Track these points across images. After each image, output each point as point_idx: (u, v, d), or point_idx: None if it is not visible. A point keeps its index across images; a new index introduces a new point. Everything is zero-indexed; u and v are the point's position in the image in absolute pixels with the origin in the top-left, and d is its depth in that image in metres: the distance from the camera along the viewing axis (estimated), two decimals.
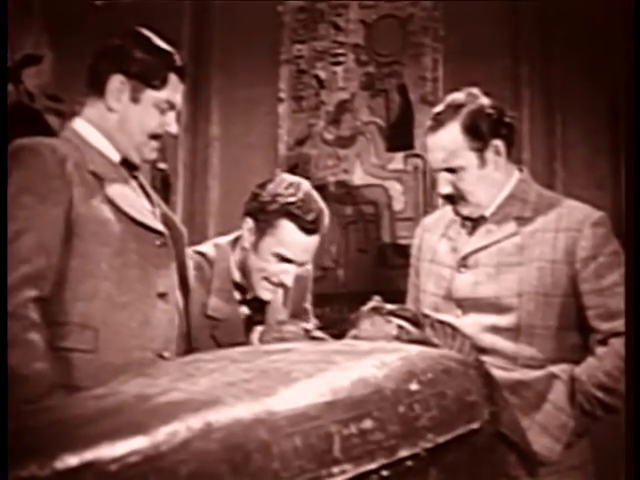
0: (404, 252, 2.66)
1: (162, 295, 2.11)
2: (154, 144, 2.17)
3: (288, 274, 2.48)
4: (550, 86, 3.44)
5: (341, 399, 1.40)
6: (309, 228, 2.46)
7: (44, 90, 3.87)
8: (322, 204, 2.52)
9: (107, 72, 2.12)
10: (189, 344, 2.24)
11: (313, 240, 2.49)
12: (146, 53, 2.14)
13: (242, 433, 1.24)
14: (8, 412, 1.41)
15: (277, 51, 3.86)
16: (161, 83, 2.13)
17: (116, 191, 2.08)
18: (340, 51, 3.78)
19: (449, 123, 2.26)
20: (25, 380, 1.82)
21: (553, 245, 2.21)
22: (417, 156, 3.60)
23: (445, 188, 2.29)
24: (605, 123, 3.33)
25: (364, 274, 3.60)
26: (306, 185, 2.53)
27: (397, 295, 2.55)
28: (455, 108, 2.27)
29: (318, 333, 2.18)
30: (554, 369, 2.16)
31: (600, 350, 2.16)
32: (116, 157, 2.14)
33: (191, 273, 2.37)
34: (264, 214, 2.47)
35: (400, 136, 3.65)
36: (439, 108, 2.31)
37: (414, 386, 1.57)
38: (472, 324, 2.22)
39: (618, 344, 2.12)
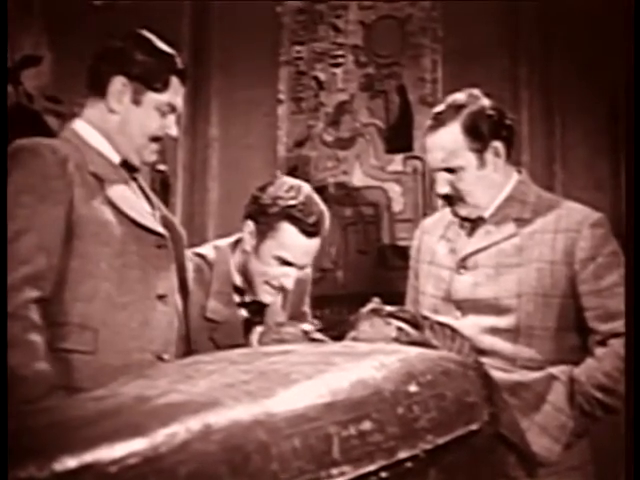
0: (403, 254, 2.67)
1: (162, 297, 2.11)
2: (154, 146, 2.18)
3: (289, 277, 2.48)
4: (549, 87, 3.44)
5: (340, 400, 1.40)
6: (310, 231, 2.46)
7: (43, 91, 3.87)
8: (323, 207, 2.52)
9: (109, 74, 2.12)
10: (188, 346, 2.24)
11: (314, 243, 2.49)
12: (148, 55, 2.14)
13: (241, 434, 1.24)
14: (8, 413, 1.41)
15: (276, 52, 3.86)
16: (163, 86, 2.13)
17: (116, 193, 2.08)
18: (339, 52, 3.78)
19: (450, 123, 2.26)
20: (25, 381, 1.82)
21: (552, 246, 2.21)
22: (416, 158, 3.60)
23: (443, 188, 2.29)
24: (605, 124, 3.33)
25: (363, 276, 3.60)
26: (307, 188, 2.53)
27: (396, 297, 2.55)
28: (456, 108, 2.27)
29: (317, 335, 2.18)
30: (553, 370, 2.16)
31: (599, 351, 2.17)
32: (116, 158, 2.14)
33: (190, 275, 2.37)
34: (265, 217, 2.47)
35: (399, 138, 3.65)
36: (440, 108, 2.32)
37: (413, 387, 1.57)
38: (471, 325, 2.22)
39: (617, 345, 2.13)
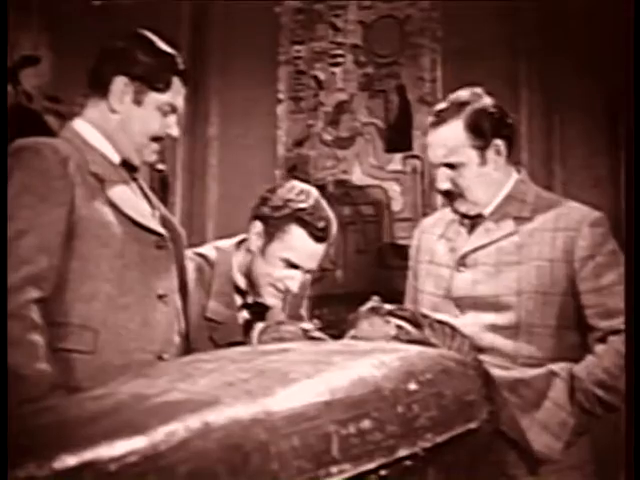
0: (403, 253, 2.67)
1: (162, 297, 2.11)
2: (155, 146, 2.18)
3: (294, 280, 2.48)
4: (548, 86, 3.44)
5: (340, 399, 1.40)
6: (318, 236, 2.47)
7: (43, 91, 3.87)
8: (331, 213, 2.53)
9: (110, 74, 2.12)
10: (188, 346, 2.24)
11: (321, 248, 2.50)
12: (150, 56, 2.14)
13: (240, 433, 1.24)
14: (8, 412, 1.41)
15: (275, 52, 3.85)
16: (164, 86, 2.14)
17: (117, 193, 2.08)
18: (339, 52, 3.78)
19: (452, 120, 2.28)
20: (26, 380, 1.82)
21: (552, 244, 2.22)
22: (416, 157, 3.60)
23: (444, 184, 2.30)
24: (604, 123, 3.33)
25: (363, 275, 3.60)
26: (315, 193, 2.54)
27: (396, 295, 2.55)
28: (459, 106, 2.29)
29: (317, 333, 2.18)
30: (553, 367, 2.17)
31: (599, 348, 2.17)
32: (116, 158, 2.14)
33: (191, 275, 2.37)
34: (274, 219, 2.48)
35: (399, 137, 3.65)
36: (442, 105, 2.33)
37: (413, 386, 1.57)
38: (471, 323, 2.22)
39: (617, 342, 2.13)
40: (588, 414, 2.16)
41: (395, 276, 2.67)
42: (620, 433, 2.00)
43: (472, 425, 1.71)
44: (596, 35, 3.29)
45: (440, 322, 2.10)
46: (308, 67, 3.82)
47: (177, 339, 2.17)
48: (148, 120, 2.14)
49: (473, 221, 2.35)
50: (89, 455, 1.09)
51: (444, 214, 2.51)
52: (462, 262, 2.31)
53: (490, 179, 2.30)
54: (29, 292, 1.89)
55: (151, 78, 2.12)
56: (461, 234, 2.36)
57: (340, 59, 3.78)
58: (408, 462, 1.48)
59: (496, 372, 2.10)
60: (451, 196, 2.33)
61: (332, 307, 3.53)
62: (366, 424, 1.42)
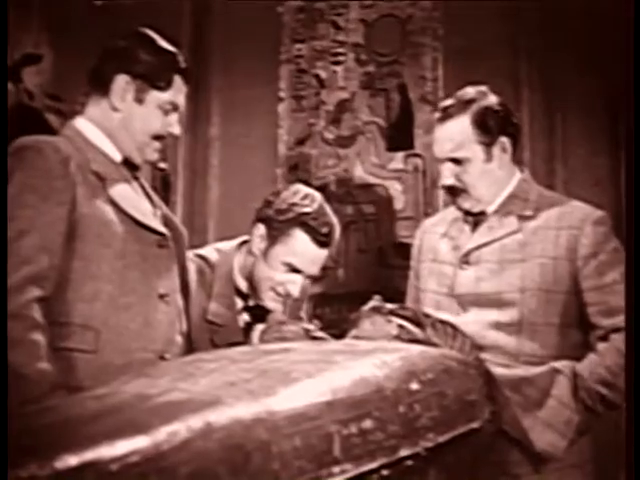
0: (404, 252, 2.67)
1: (163, 296, 2.11)
2: (156, 145, 2.18)
3: (295, 284, 2.47)
4: (550, 85, 3.44)
5: (341, 399, 1.40)
6: (322, 241, 2.46)
7: (44, 89, 3.87)
8: (334, 219, 2.52)
9: (112, 72, 2.12)
10: (190, 346, 2.24)
11: (323, 253, 2.50)
12: (151, 54, 2.14)
13: (242, 433, 1.24)
14: (9, 412, 1.41)
15: (277, 51, 3.85)
16: (166, 84, 2.14)
17: (118, 192, 2.08)
18: (340, 50, 3.78)
19: (459, 116, 2.30)
20: (28, 380, 1.82)
21: (555, 242, 2.23)
22: (417, 156, 3.60)
23: (448, 179, 2.32)
24: (605, 123, 3.33)
25: (364, 274, 3.60)
26: (319, 198, 2.53)
27: (397, 295, 2.56)
28: (465, 102, 2.31)
29: (318, 333, 2.18)
30: (556, 364, 2.17)
31: (601, 346, 2.18)
32: (118, 157, 2.14)
33: (192, 276, 2.37)
34: (278, 222, 2.47)
35: (400, 136, 3.64)
36: (448, 102, 2.35)
37: (414, 386, 1.57)
38: (473, 321, 2.23)
39: (619, 340, 2.14)
40: (590, 412, 2.16)
41: (397, 275, 2.67)
42: (621, 432, 2.00)
43: (474, 425, 1.71)
44: (597, 34, 3.29)
45: (442, 322, 2.10)
46: (309, 66, 3.82)
47: (179, 339, 2.17)
48: (149, 118, 2.14)
49: (476, 219, 2.36)
50: (90, 455, 1.09)
51: (446, 214, 2.52)
52: (465, 260, 2.31)
53: (494, 176, 2.32)
54: (30, 291, 1.89)
55: (152, 76, 2.13)
56: (464, 232, 2.37)
57: (341, 58, 3.78)
58: (410, 462, 1.48)
59: (499, 370, 2.11)
60: (455, 192, 2.34)
61: (333, 306, 3.53)
62: (368, 424, 1.42)
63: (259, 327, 2.45)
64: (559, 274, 2.22)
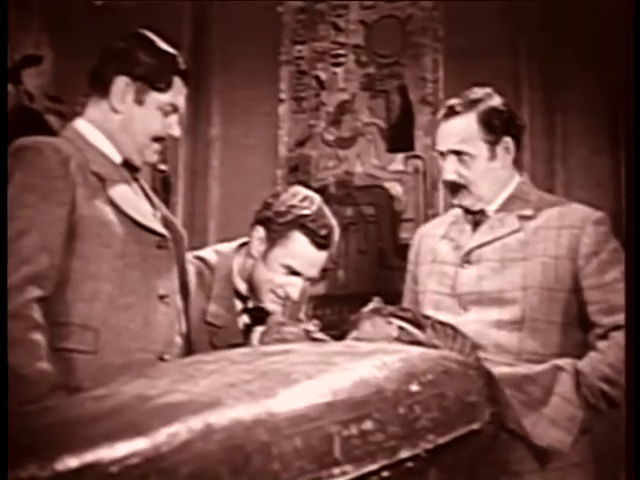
0: (404, 253, 2.66)
1: (163, 297, 2.11)
2: (156, 146, 2.18)
3: (295, 287, 2.47)
4: (550, 86, 3.44)
5: (341, 400, 1.40)
6: (321, 243, 2.46)
7: (44, 91, 3.87)
8: (333, 221, 2.52)
9: (112, 73, 2.12)
10: (189, 347, 2.24)
11: (322, 256, 2.49)
12: (151, 56, 2.15)
13: (242, 434, 1.24)
14: (9, 412, 1.41)
15: (277, 52, 3.85)
16: (166, 86, 2.14)
17: (118, 193, 2.08)
18: (340, 52, 3.78)
19: (465, 113, 2.32)
20: (27, 380, 1.82)
21: (556, 242, 2.25)
22: (417, 157, 3.60)
23: (450, 175, 2.33)
24: (605, 123, 3.33)
25: (364, 275, 3.60)
26: (318, 200, 2.53)
27: (397, 296, 2.56)
28: (472, 102, 2.33)
29: (318, 334, 2.18)
30: (558, 362, 2.17)
31: (602, 344, 2.19)
32: (117, 158, 2.15)
33: (192, 278, 2.37)
34: (277, 224, 2.46)
35: (400, 137, 3.64)
36: (454, 101, 2.36)
37: (414, 387, 1.57)
38: (475, 320, 2.23)
39: (620, 337, 2.15)
40: (592, 409, 2.16)
41: (397, 277, 2.67)
42: (622, 431, 2.00)
43: (474, 426, 1.71)
44: (597, 34, 3.29)
45: (442, 323, 2.10)
46: (310, 67, 3.82)
47: (178, 340, 2.17)
48: (149, 120, 2.14)
49: (477, 218, 2.37)
50: (90, 456, 1.09)
51: (444, 218, 2.56)
52: (467, 259, 2.32)
53: (497, 175, 2.34)
54: (30, 291, 1.89)
55: (152, 78, 2.13)
56: (465, 232, 2.38)
57: (342, 59, 3.78)
58: (410, 463, 1.48)
59: (501, 369, 2.11)
60: (455, 188, 2.35)
61: (334, 307, 3.53)
62: (368, 425, 1.42)
63: (258, 329, 2.45)
64: (560, 273, 2.23)
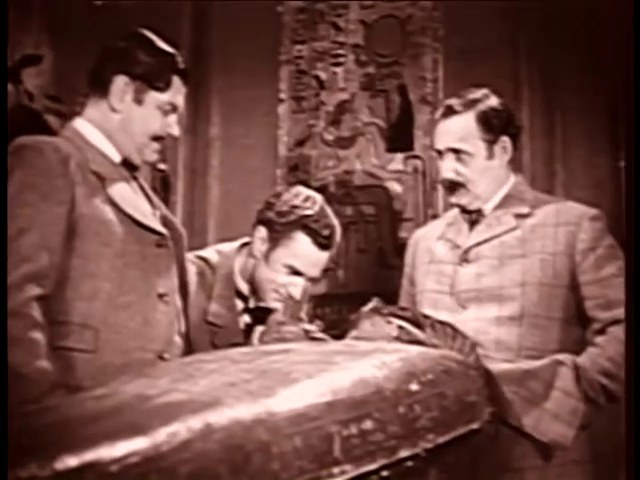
0: (404, 252, 2.66)
1: (162, 296, 2.11)
2: (155, 145, 2.18)
3: (297, 287, 2.47)
4: (550, 86, 3.44)
5: (341, 400, 1.40)
6: (323, 243, 2.46)
7: (44, 90, 3.87)
8: (335, 221, 2.52)
9: (111, 73, 2.12)
10: (189, 346, 2.24)
11: (324, 256, 2.49)
12: (150, 55, 2.15)
13: (242, 434, 1.24)
14: (9, 412, 1.41)
15: (277, 51, 3.85)
16: (165, 85, 2.14)
17: (118, 192, 2.08)
18: (340, 51, 3.78)
19: (464, 112, 2.34)
20: (27, 379, 1.82)
21: (554, 239, 2.27)
22: (417, 157, 3.60)
23: (448, 173, 2.35)
24: (605, 123, 3.33)
25: (364, 275, 3.60)
26: (320, 200, 2.53)
27: (397, 295, 2.56)
28: (470, 101, 2.35)
29: (318, 334, 2.18)
30: (558, 356, 2.18)
31: (600, 339, 2.20)
32: (117, 157, 2.15)
33: (192, 278, 2.37)
34: (279, 224, 2.46)
35: (400, 137, 3.64)
36: (453, 101, 2.38)
37: (414, 386, 1.57)
38: (475, 318, 2.24)
39: (618, 331, 2.17)
40: (592, 404, 2.17)
41: (397, 276, 2.67)
42: (623, 427, 2.01)
43: (474, 426, 1.71)
44: (597, 34, 3.29)
45: (441, 322, 2.10)
46: (309, 67, 3.82)
47: (178, 339, 2.17)
48: (149, 119, 2.15)
49: (474, 218, 2.39)
50: (90, 456, 1.08)
51: (439, 221, 2.59)
52: (465, 257, 2.34)
53: (494, 174, 2.36)
54: (30, 290, 1.89)
55: (151, 77, 2.13)
56: (462, 232, 2.39)
57: (341, 59, 3.78)
58: (410, 463, 1.48)
59: (502, 366, 2.12)
60: (453, 187, 2.36)
61: (333, 307, 3.53)
62: (368, 425, 1.42)
63: (259, 329, 2.45)
64: (558, 269, 2.25)
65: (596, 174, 3.36)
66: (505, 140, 2.35)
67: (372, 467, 1.39)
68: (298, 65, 3.83)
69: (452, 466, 1.63)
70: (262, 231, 2.50)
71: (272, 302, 2.48)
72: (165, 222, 2.22)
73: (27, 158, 2.00)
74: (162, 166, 3.58)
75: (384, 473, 1.42)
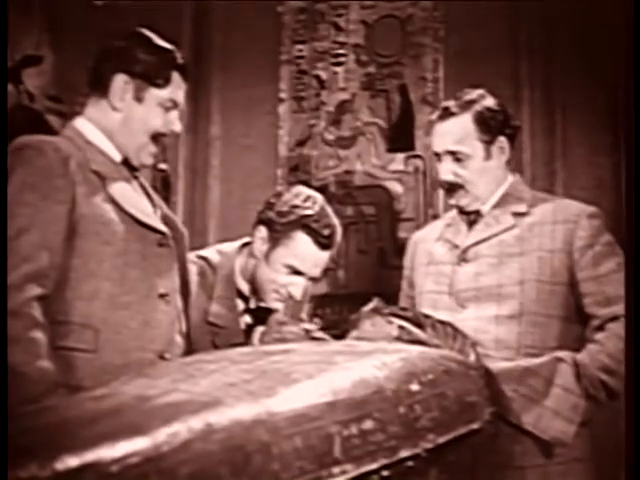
0: (404, 253, 2.66)
1: (163, 296, 2.11)
2: (153, 148, 2.17)
3: (297, 287, 2.47)
4: (550, 86, 3.44)
5: (342, 400, 1.40)
6: (323, 243, 2.46)
7: (45, 91, 3.87)
8: (336, 220, 2.52)
9: (110, 72, 2.12)
10: (190, 347, 2.24)
11: (325, 255, 2.49)
12: (149, 53, 2.15)
13: (242, 434, 1.24)
14: (9, 412, 1.41)
15: (277, 51, 3.85)
16: (164, 82, 2.14)
17: (118, 191, 2.08)
18: (341, 51, 3.78)
19: (461, 114, 2.34)
20: (28, 378, 1.81)
21: (551, 237, 2.27)
22: (418, 157, 3.60)
23: (447, 175, 2.35)
24: (605, 123, 3.33)
25: (364, 275, 3.60)
26: (321, 199, 2.53)
27: (397, 296, 2.56)
28: (467, 103, 2.35)
29: (319, 334, 2.18)
30: (558, 353, 2.18)
31: (599, 336, 2.20)
32: (117, 157, 2.14)
33: (193, 278, 2.37)
34: (279, 224, 2.46)
35: (401, 137, 3.64)
36: (449, 103, 2.39)
37: (415, 387, 1.57)
38: (474, 317, 2.24)
39: (617, 328, 2.17)
40: (593, 400, 2.17)
41: (397, 276, 2.66)
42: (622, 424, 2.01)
43: (474, 426, 1.71)
44: (598, 35, 3.29)
45: (442, 322, 2.10)
46: (310, 66, 3.82)
47: (178, 339, 2.16)
48: (150, 117, 2.14)
49: (472, 219, 2.39)
50: (91, 456, 1.08)
51: (437, 223, 2.59)
52: (463, 257, 2.34)
53: (492, 175, 2.37)
54: (30, 289, 1.88)
55: (151, 75, 2.13)
56: (460, 232, 2.40)
57: (342, 59, 3.78)
58: (410, 463, 1.48)
59: (502, 365, 2.12)
60: (452, 188, 2.36)
61: (334, 307, 3.53)
62: (368, 425, 1.42)
63: (260, 329, 2.45)
64: (557, 266, 2.25)
65: (596, 174, 3.36)
66: (502, 141, 2.36)
67: (372, 467, 1.39)
68: (299, 65, 3.83)
69: (453, 466, 1.63)
70: (262, 231, 2.50)
71: (273, 302, 2.48)
72: (166, 221, 2.22)
73: (27, 158, 1.99)
74: (163, 166, 3.58)
75: (385, 473, 1.42)
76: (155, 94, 2.14)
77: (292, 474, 1.26)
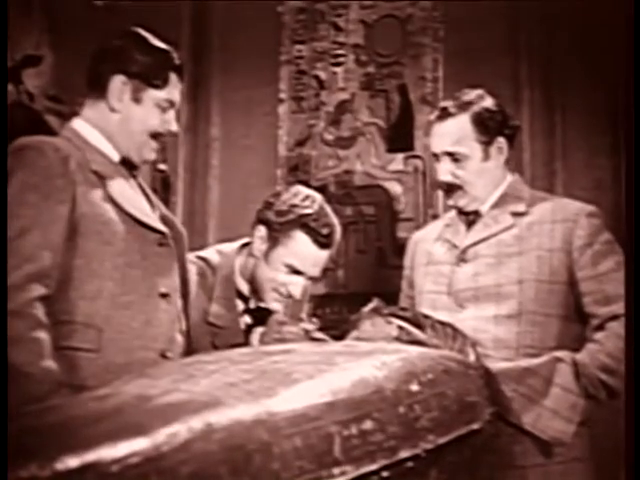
0: (404, 253, 2.66)
1: (164, 295, 2.11)
2: (154, 144, 2.18)
3: (297, 286, 2.47)
4: (550, 86, 3.44)
5: (341, 400, 1.40)
6: (323, 242, 2.46)
7: (44, 91, 3.87)
8: (335, 219, 2.52)
9: (108, 73, 2.13)
10: (190, 346, 2.24)
11: (324, 255, 2.49)
12: (146, 54, 2.15)
13: (243, 434, 1.24)
14: (13, 412, 1.41)
15: (277, 51, 3.85)
16: (162, 82, 2.15)
17: (118, 191, 2.09)
18: (340, 51, 3.78)
19: (459, 114, 2.34)
20: (32, 379, 1.81)
21: (551, 236, 2.27)
22: (417, 157, 3.60)
23: (445, 175, 2.35)
24: (605, 123, 3.33)
25: (364, 275, 3.60)
26: (320, 199, 2.53)
27: (397, 296, 2.56)
28: (465, 103, 2.35)
29: (318, 334, 2.18)
30: (557, 353, 2.18)
31: (599, 335, 2.20)
32: (116, 157, 2.15)
33: (193, 278, 2.37)
34: (278, 224, 2.46)
35: (400, 137, 3.64)
36: (447, 103, 2.39)
37: (414, 387, 1.57)
38: (473, 317, 2.24)
39: (617, 327, 2.17)
40: (592, 399, 2.17)
41: (396, 276, 2.66)
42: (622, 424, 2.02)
43: (474, 426, 1.71)
44: (598, 35, 3.29)
45: (442, 323, 2.10)
46: (310, 67, 3.82)
47: (179, 337, 2.17)
48: (148, 117, 2.15)
49: (471, 219, 2.39)
50: (91, 456, 1.09)
51: (437, 223, 2.58)
52: (462, 257, 2.34)
53: (490, 175, 2.36)
54: (33, 290, 1.88)
55: (149, 75, 2.13)
56: (459, 232, 2.40)
57: (342, 59, 3.78)
58: (410, 463, 1.48)
59: (501, 365, 2.12)
60: (451, 189, 2.37)
61: (333, 307, 3.53)
62: (368, 425, 1.42)
63: (260, 329, 2.45)
64: (556, 266, 2.25)
65: (596, 174, 3.36)
66: (501, 141, 2.36)
67: (372, 467, 1.39)
68: (298, 65, 3.83)
69: (452, 466, 1.63)
70: (262, 230, 2.50)
71: (272, 301, 2.48)
72: (165, 221, 2.22)
73: (27, 158, 2.00)
74: (162, 166, 3.58)
75: (384, 473, 1.42)
76: (153, 95, 2.14)
77: (292, 474, 1.26)
